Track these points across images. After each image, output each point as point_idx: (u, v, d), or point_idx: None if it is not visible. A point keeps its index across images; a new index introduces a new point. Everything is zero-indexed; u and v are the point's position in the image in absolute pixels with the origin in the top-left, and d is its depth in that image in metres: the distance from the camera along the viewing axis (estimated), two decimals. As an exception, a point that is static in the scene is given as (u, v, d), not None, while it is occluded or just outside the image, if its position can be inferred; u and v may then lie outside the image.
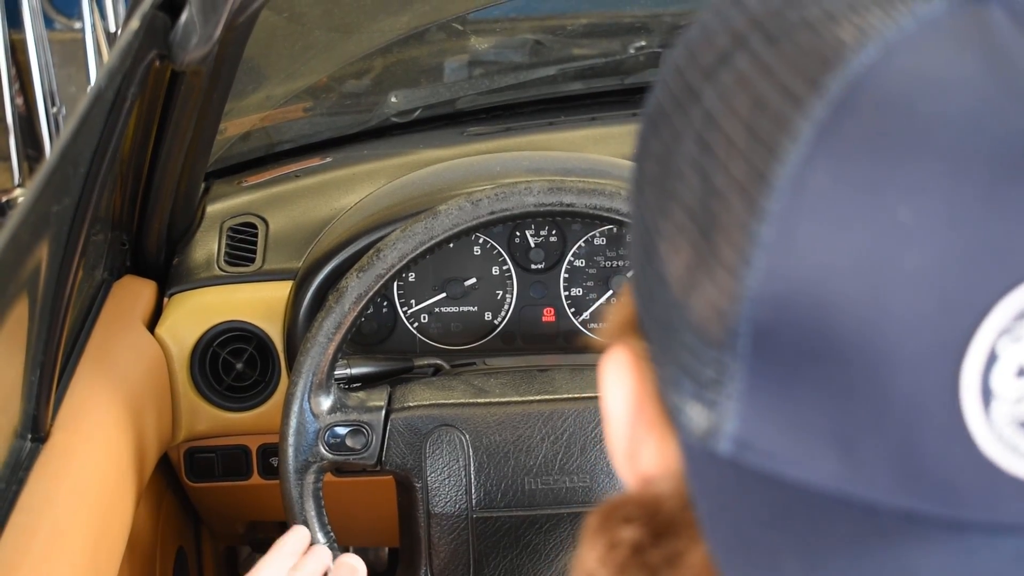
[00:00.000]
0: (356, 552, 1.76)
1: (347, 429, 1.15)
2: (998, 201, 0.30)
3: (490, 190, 1.15)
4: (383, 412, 1.16)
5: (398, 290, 1.36)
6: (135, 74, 0.89)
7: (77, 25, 3.21)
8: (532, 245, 1.36)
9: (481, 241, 1.36)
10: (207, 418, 1.33)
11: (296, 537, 1.00)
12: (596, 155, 1.41)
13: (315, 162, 1.52)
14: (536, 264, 1.36)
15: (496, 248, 1.36)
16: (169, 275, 1.35)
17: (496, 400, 1.18)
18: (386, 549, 1.78)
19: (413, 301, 1.36)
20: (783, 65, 0.33)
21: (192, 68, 0.98)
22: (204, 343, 1.30)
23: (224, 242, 1.38)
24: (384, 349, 1.36)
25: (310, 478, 1.14)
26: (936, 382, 0.30)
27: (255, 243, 1.37)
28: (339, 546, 1.17)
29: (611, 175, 1.27)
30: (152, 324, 1.30)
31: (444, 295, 1.35)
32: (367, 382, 1.23)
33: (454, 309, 1.36)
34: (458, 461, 1.16)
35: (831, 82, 0.31)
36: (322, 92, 1.67)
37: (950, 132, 0.30)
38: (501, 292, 1.36)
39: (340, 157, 1.53)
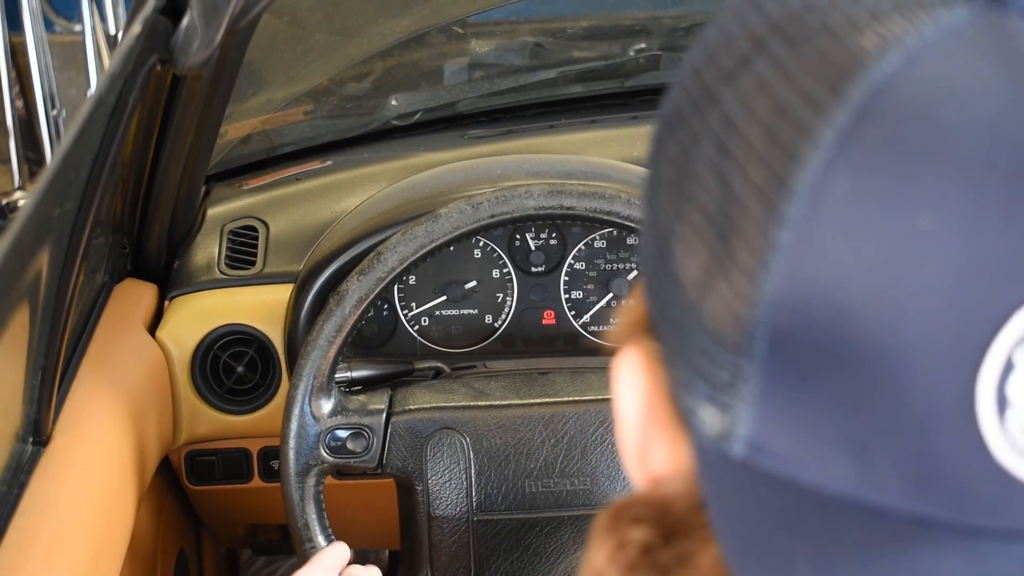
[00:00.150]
0: (357, 554, 1.76)
1: (348, 432, 1.15)
2: (1017, 211, 0.30)
3: (491, 193, 1.15)
4: (384, 415, 1.17)
5: (399, 293, 1.36)
6: (136, 78, 0.89)
7: (77, 28, 3.21)
8: (532, 248, 1.36)
9: (481, 244, 1.36)
10: (208, 421, 1.33)
11: (334, 552, 1.01)
12: (596, 158, 1.41)
13: (316, 165, 1.52)
14: (536, 267, 1.36)
15: (496, 251, 1.36)
16: (170, 278, 1.35)
17: (497, 403, 1.19)
18: (387, 552, 1.79)
19: (414, 304, 1.36)
20: (804, 71, 0.33)
21: (193, 72, 0.98)
22: (205, 346, 1.30)
23: (225, 245, 1.38)
24: (385, 352, 1.36)
25: (311, 481, 1.14)
26: (952, 389, 0.30)
27: (256, 246, 1.38)
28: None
29: (612, 178, 1.27)
30: (153, 327, 1.30)
31: (444, 298, 1.36)
32: (368, 385, 1.24)
33: (454, 312, 1.36)
34: (459, 464, 1.16)
35: (853, 89, 0.32)
36: (322, 95, 1.67)
37: (971, 141, 0.30)
38: (501, 295, 1.36)
39: (341, 160, 1.53)
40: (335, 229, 1.35)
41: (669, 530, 0.37)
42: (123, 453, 1.11)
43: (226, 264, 1.35)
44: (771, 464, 0.33)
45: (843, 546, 0.31)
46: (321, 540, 1.14)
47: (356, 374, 1.23)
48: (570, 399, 1.19)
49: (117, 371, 1.16)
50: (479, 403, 1.19)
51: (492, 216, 1.14)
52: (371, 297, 1.13)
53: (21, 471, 0.94)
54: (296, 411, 1.13)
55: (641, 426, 0.38)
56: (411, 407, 1.18)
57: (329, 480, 1.21)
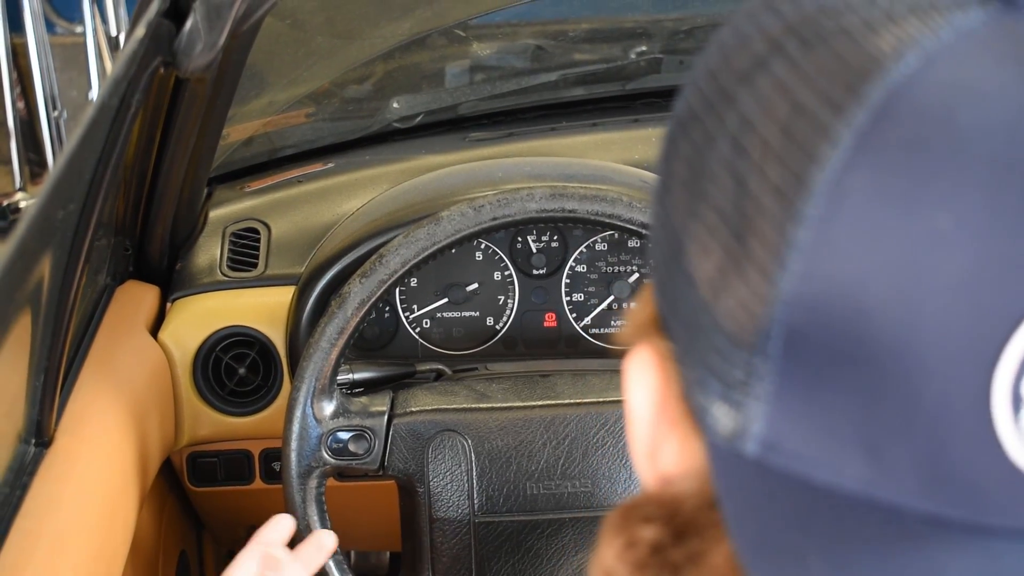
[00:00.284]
0: (358, 556, 1.76)
1: (350, 434, 1.15)
2: None
3: (492, 196, 1.15)
4: (386, 417, 1.17)
5: (400, 295, 1.36)
6: (140, 81, 0.89)
7: (78, 29, 3.21)
8: (534, 250, 1.36)
9: (483, 246, 1.36)
10: (209, 423, 1.33)
11: (272, 527, 0.99)
12: (598, 161, 1.42)
13: (317, 167, 1.52)
14: (538, 269, 1.37)
15: (498, 253, 1.36)
16: (172, 280, 1.35)
17: (498, 405, 1.19)
18: (388, 553, 1.79)
19: (415, 306, 1.36)
20: (821, 72, 0.33)
21: (196, 75, 0.98)
22: (207, 348, 1.30)
23: (227, 247, 1.38)
24: (386, 354, 1.36)
25: (313, 483, 1.15)
26: (967, 389, 0.30)
27: (258, 248, 1.38)
28: (341, 551, 1.17)
29: (613, 181, 1.27)
30: (155, 329, 1.30)
31: (446, 300, 1.36)
32: (369, 387, 1.24)
33: (456, 314, 1.36)
34: (460, 466, 1.17)
35: (871, 90, 0.32)
36: (324, 98, 1.68)
37: (988, 142, 0.31)
38: (503, 297, 1.37)
39: (342, 162, 1.53)
40: (337, 231, 1.35)
41: (679, 529, 0.37)
42: (125, 454, 1.11)
43: (228, 266, 1.36)
44: (785, 462, 0.33)
45: (856, 545, 0.32)
46: (323, 542, 1.14)
47: (358, 376, 1.23)
48: (571, 401, 1.19)
49: (119, 373, 1.16)
50: (480, 405, 1.19)
51: (494, 219, 1.14)
52: (373, 299, 1.13)
53: (24, 472, 0.94)
54: (298, 413, 1.13)
55: (652, 425, 0.39)
56: (413, 409, 1.18)
57: (331, 482, 1.21)
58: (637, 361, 0.39)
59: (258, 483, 1.40)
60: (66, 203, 0.86)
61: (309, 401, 1.13)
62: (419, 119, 1.60)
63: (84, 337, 1.17)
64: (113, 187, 1.03)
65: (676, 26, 1.76)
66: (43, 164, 3.14)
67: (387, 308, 1.36)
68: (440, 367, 1.29)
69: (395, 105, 1.62)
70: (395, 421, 1.17)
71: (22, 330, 0.88)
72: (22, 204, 2.98)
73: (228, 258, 1.37)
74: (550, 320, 1.37)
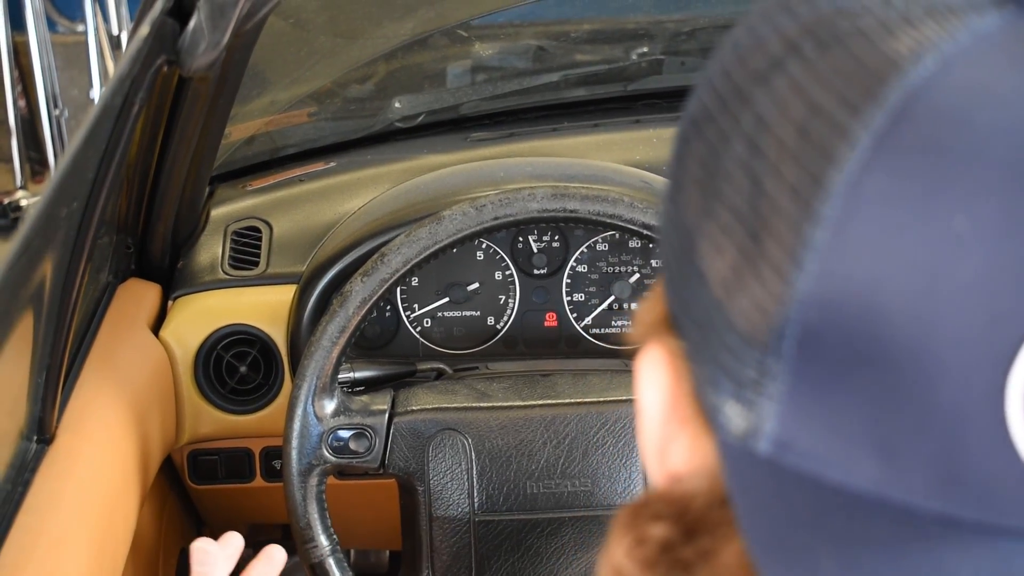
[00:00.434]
0: (357, 555, 1.77)
1: (350, 432, 1.16)
2: None
3: (494, 196, 1.15)
4: (386, 416, 1.17)
5: (401, 294, 1.36)
6: (143, 80, 0.90)
7: (80, 28, 3.22)
8: (535, 250, 1.37)
9: (484, 246, 1.36)
10: (210, 421, 1.33)
11: (221, 546, 0.98)
12: (599, 161, 1.42)
13: (319, 167, 1.53)
14: (539, 269, 1.37)
15: (499, 253, 1.36)
16: (173, 278, 1.36)
17: (498, 404, 1.19)
18: (387, 552, 1.79)
19: (416, 305, 1.36)
20: (838, 73, 0.33)
21: (199, 74, 0.98)
22: (208, 346, 1.31)
23: (228, 246, 1.38)
24: (387, 353, 1.36)
25: (313, 481, 1.15)
26: (982, 390, 0.30)
27: (259, 247, 1.38)
28: (341, 549, 1.17)
29: (614, 181, 1.28)
30: (156, 327, 1.30)
31: (447, 300, 1.36)
32: (370, 386, 1.24)
33: (457, 314, 1.37)
34: (460, 465, 1.17)
35: (889, 92, 0.32)
36: (326, 97, 1.68)
37: (1006, 144, 0.31)
38: (504, 297, 1.37)
39: (344, 162, 1.53)
40: (338, 230, 1.35)
41: (689, 527, 0.37)
42: (126, 452, 1.11)
43: (230, 264, 1.36)
44: (797, 462, 0.33)
45: (868, 544, 0.32)
46: (323, 540, 1.15)
47: (359, 375, 1.23)
48: (571, 401, 1.19)
49: (121, 370, 1.17)
50: (481, 404, 1.19)
51: (495, 218, 1.14)
52: (374, 298, 1.13)
53: (25, 469, 0.94)
54: (299, 411, 1.13)
55: (662, 423, 0.39)
56: (413, 408, 1.18)
57: (331, 480, 1.21)
58: (648, 359, 0.39)
59: (259, 481, 1.40)
60: (69, 201, 0.86)
61: (310, 399, 1.13)
62: (421, 119, 1.61)
63: (86, 335, 1.17)
64: (116, 185, 1.03)
65: (678, 27, 1.76)
66: (44, 162, 3.14)
67: (388, 307, 1.36)
68: (441, 366, 1.29)
69: (397, 105, 1.62)
70: (396, 420, 1.17)
71: (24, 327, 0.88)
72: (23, 202, 2.99)
73: (230, 257, 1.37)
74: (551, 320, 1.37)
